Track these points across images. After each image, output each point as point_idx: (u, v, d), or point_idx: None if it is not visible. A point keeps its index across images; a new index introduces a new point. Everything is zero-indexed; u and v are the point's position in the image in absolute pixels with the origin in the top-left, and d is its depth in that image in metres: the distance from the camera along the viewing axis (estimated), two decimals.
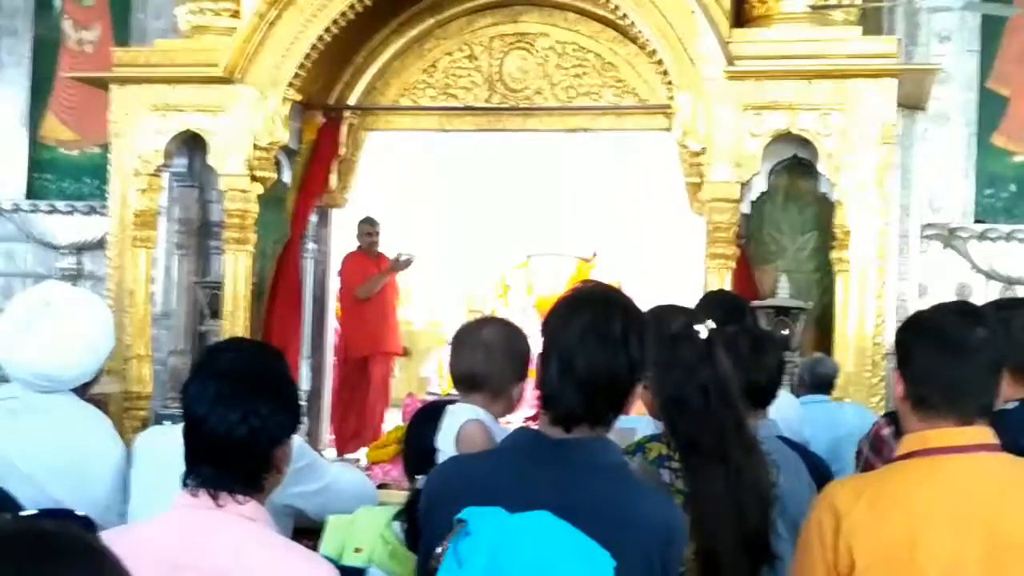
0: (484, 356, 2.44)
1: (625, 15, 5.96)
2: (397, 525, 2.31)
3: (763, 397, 2.67)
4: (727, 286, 5.62)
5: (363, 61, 7.13)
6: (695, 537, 1.98)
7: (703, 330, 2.26)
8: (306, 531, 2.51)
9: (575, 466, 1.67)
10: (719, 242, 5.86)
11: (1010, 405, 2.51)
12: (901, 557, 1.79)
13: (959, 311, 2.00)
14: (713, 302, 3.38)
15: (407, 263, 7.83)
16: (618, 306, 1.75)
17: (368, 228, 7.87)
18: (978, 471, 1.86)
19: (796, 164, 6.42)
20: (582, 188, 9.55)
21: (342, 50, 6.77)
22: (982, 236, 7.63)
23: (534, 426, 1.80)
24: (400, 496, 2.74)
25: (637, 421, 2.43)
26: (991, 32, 7.67)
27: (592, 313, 1.72)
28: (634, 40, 6.28)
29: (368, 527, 2.31)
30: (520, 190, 9.37)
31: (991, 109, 7.67)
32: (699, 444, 2.13)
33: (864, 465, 3.03)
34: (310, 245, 7.32)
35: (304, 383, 7.09)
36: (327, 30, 6.23)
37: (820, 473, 2.80)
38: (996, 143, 7.69)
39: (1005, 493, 1.84)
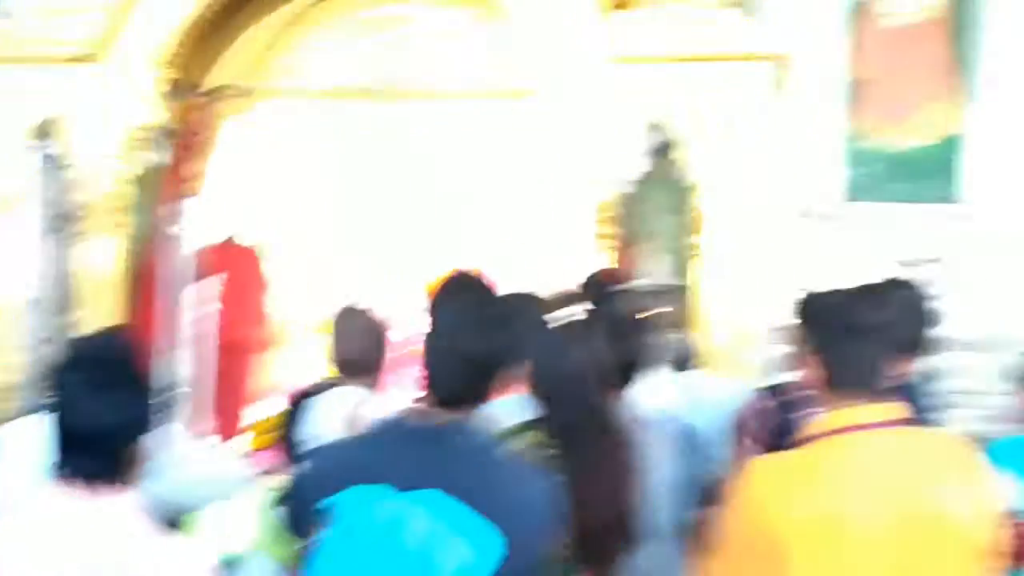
0: (364, 341, 2.45)
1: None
2: (279, 510, 2.30)
3: (635, 374, 2.73)
4: (605, 268, 5.72)
5: (238, 40, 6.98)
6: (571, 518, 2.01)
7: (576, 313, 2.29)
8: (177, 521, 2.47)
9: (453, 446, 1.69)
10: (597, 223, 5.95)
11: (904, 381, 2.60)
12: (829, 533, 1.86)
13: (861, 295, 2.08)
14: (587, 284, 3.43)
15: None
16: (496, 288, 1.78)
17: (235, 213, 7.74)
18: (898, 445, 1.95)
19: (666, 146, 6.56)
20: (457, 171, 9.52)
21: (216, 29, 6.63)
22: (848, 216, 7.95)
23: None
24: (283, 481, 2.71)
25: (509, 403, 2.45)
26: (857, 15, 7.97)
27: (472, 296, 1.74)
28: (509, 21, 6.30)
29: (248, 513, 2.29)
30: (400, 173, 9.28)
31: (853, 94, 7.97)
32: (573, 426, 2.16)
33: (749, 437, 3.11)
34: (180, 230, 7.14)
35: (179, 371, 6.93)
36: (200, 8, 6.09)
37: (694, 447, 2.88)
38: (857, 126, 8.00)
39: (924, 464, 1.95)
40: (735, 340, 5.83)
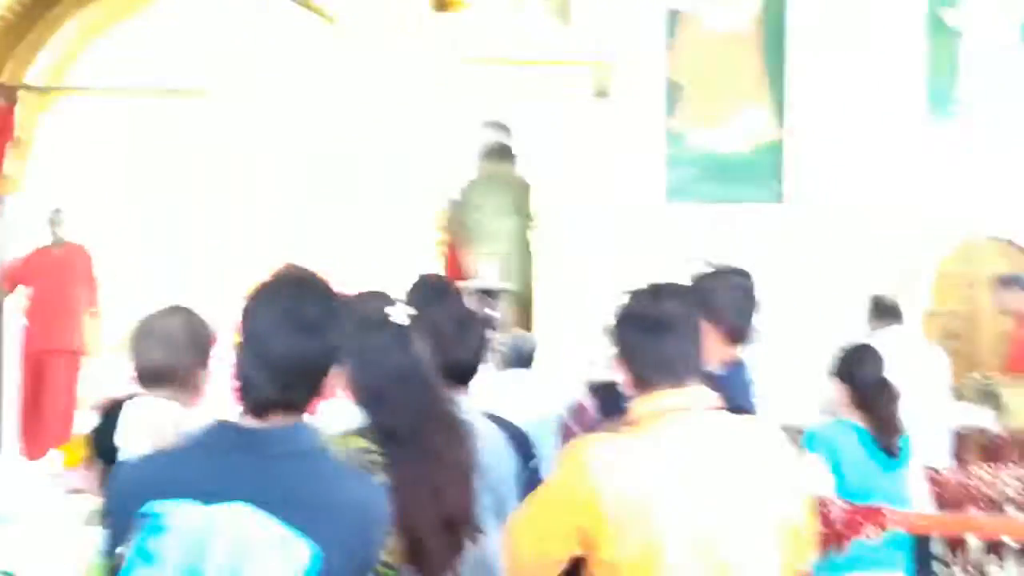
0: (167, 347, 2.34)
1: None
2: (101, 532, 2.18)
3: (465, 375, 2.72)
4: (439, 269, 5.71)
5: (40, 37, 6.64)
6: (397, 524, 1.97)
7: (398, 315, 2.25)
8: None
9: (270, 455, 1.63)
10: (430, 227, 5.95)
11: (723, 369, 2.69)
12: (642, 514, 1.89)
13: (651, 292, 2.12)
14: (418, 285, 3.41)
15: None
16: (314, 290, 1.72)
17: (52, 217, 7.37)
18: (706, 429, 2.00)
19: (499, 149, 6.61)
20: (290, 170, 9.33)
21: (18, 27, 6.29)
22: (670, 216, 8.22)
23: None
24: (95, 502, 2.58)
25: (337, 408, 2.40)
26: (674, 23, 8.24)
27: (287, 297, 1.68)
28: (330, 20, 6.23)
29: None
30: (212, 169, 8.97)
31: (673, 98, 8.25)
32: (396, 432, 2.13)
33: (566, 435, 3.17)
34: None
35: None
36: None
37: (522, 445, 2.89)
38: (676, 129, 8.28)
39: (732, 448, 1.99)
40: (568, 339, 5.92)
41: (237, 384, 1.66)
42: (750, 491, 1.95)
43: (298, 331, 1.63)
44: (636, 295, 2.12)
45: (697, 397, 2.01)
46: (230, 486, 1.54)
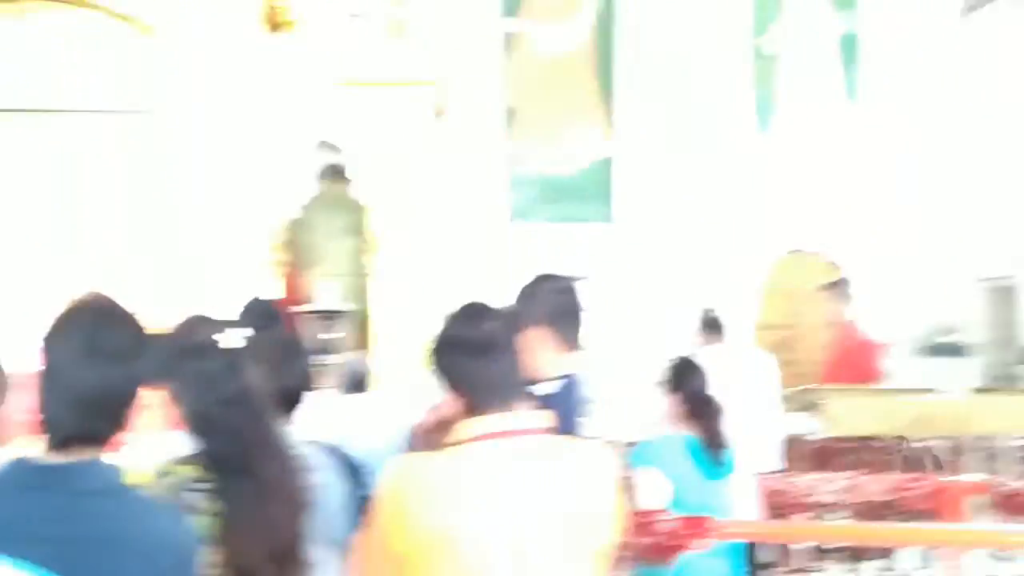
0: None
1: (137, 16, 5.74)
2: None
3: (292, 402, 2.67)
4: (277, 292, 5.60)
5: None
6: (225, 557, 1.93)
7: (228, 341, 2.19)
8: None
9: (72, 492, 1.56)
10: (266, 249, 5.83)
11: (554, 387, 2.69)
12: (450, 538, 1.88)
13: (470, 315, 2.12)
14: (247, 310, 3.34)
15: None
16: (114, 318, 1.66)
17: None
18: (529, 451, 1.98)
19: (334, 170, 6.54)
20: (106, 191, 8.93)
21: None
22: (508, 236, 8.32)
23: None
24: None
25: (164, 438, 2.32)
26: (510, 46, 8.37)
27: (86, 327, 1.62)
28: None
29: None
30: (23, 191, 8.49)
31: (509, 119, 8.37)
32: (226, 460, 2.07)
33: None
34: None
35: None
36: None
37: (357, 473, 2.85)
38: (514, 150, 8.40)
39: (546, 472, 1.98)
40: (408, 361, 5.88)
41: (39, 417, 1.59)
42: (563, 517, 1.96)
43: (98, 361, 1.57)
44: (455, 319, 2.11)
45: (522, 420, 2.01)
46: (30, 528, 1.46)
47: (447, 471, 1.94)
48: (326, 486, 2.53)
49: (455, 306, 2.16)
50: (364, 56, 6.00)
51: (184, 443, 2.22)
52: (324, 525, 2.44)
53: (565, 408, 2.72)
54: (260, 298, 4.82)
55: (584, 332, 2.82)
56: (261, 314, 3.25)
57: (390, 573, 1.95)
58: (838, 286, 6.66)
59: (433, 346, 2.10)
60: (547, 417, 2.06)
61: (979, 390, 6.77)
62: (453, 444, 2.00)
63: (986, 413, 5.81)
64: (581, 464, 2.05)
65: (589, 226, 8.46)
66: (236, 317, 3.08)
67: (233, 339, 2.18)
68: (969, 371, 7.86)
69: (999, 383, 7.54)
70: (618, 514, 2.06)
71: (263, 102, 5.76)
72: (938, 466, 5.61)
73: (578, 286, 2.89)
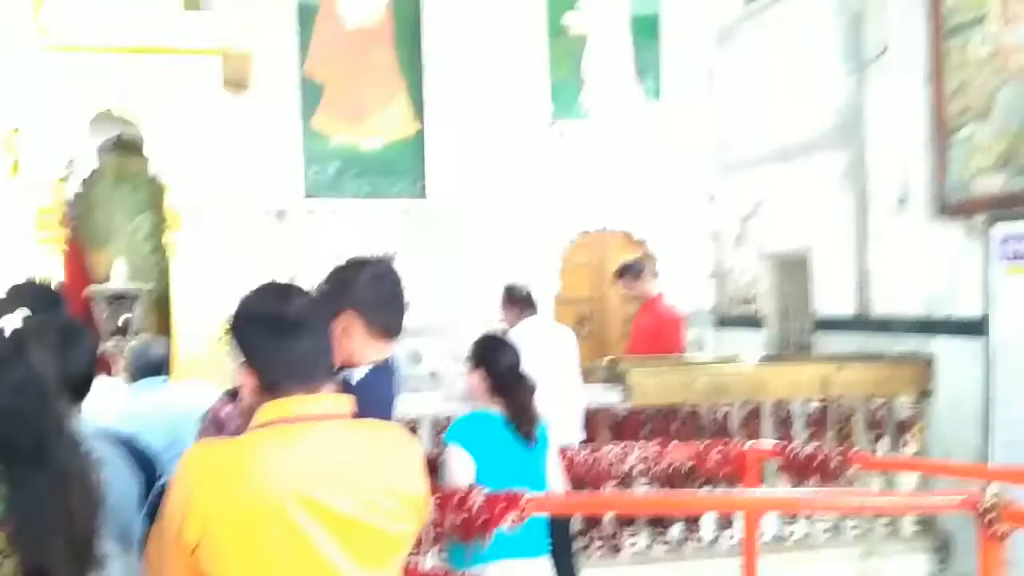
0: None
1: None
2: None
3: (80, 390, 2.49)
4: (58, 271, 5.25)
5: None
6: (18, 552, 1.81)
7: (9, 324, 2.04)
8: None
9: None
10: (44, 226, 5.44)
11: (362, 371, 2.59)
12: (253, 524, 1.79)
13: (277, 292, 2.01)
14: (21, 292, 3.08)
15: None
16: None
17: None
18: (328, 438, 1.90)
19: (125, 143, 6.20)
20: None
21: None
22: (311, 212, 8.13)
23: None
24: None
25: None
26: (311, 17, 8.14)
27: None
28: None
29: None
30: None
31: (311, 93, 8.15)
32: (17, 450, 1.92)
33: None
34: None
35: None
36: None
37: (146, 463, 2.70)
38: (315, 125, 8.20)
39: (350, 458, 1.91)
40: (206, 343, 5.64)
41: None
42: (364, 505, 1.89)
43: None
44: (260, 294, 2.01)
45: (327, 405, 1.94)
46: None
47: (242, 458, 1.84)
48: (117, 479, 2.38)
49: (259, 284, 2.05)
50: (154, 23, 5.68)
51: None
52: (115, 519, 2.30)
53: (376, 394, 2.65)
54: (35, 279, 4.51)
55: (401, 318, 2.73)
56: (37, 296, 3.01)
57: (184, 565, 1.84)
58: (631, 269, 6.83)
59: (233, 321, 1.99)
60: (348, 402, 1.99)
61: (772, 358, 7.10)
62: (251, 429, 1.90)
63: (779, 380, 6.09)
64: (382, 448, 1.99)
65: (394, 202, 8.37)
66: (9, 298, 2.88)
67: (14, 322, 2.04)
68: (763, 341, 8.26)
69: (792, 351, 7.94)
70: (422, 496, 2.01)
71: (36, 69, 5.37)
72: (735, 433, 5.85)
73: (395, 270, 2.79)
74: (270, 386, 1.91)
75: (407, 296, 2.75)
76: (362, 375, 2.62)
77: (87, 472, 2.06)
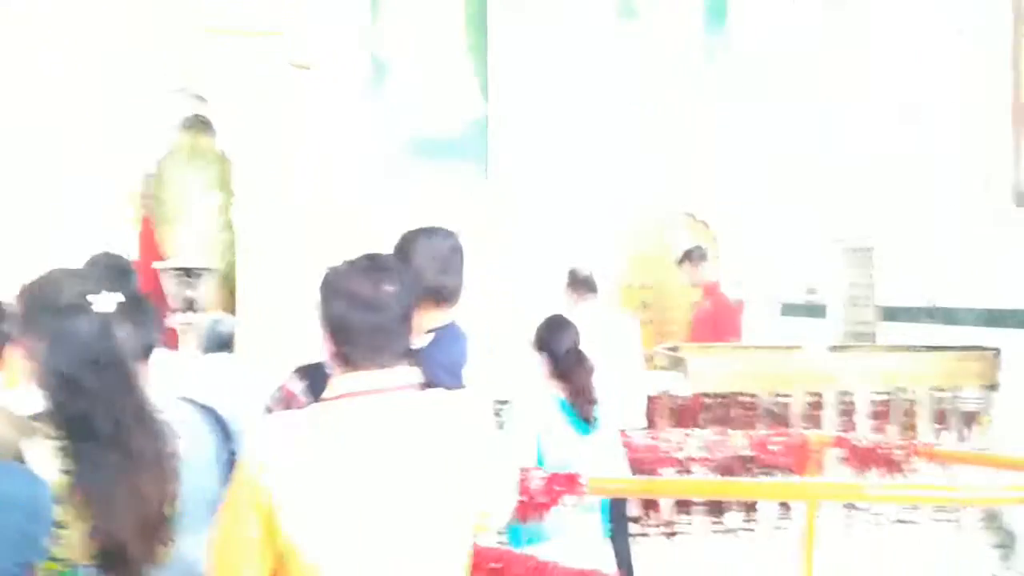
0: None
1: None
2: None
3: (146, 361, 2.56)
4: (132, 246, 5.37)
5: None
6: (90, 524, 1.86)
7: (101, 301, 2.08)
8: None
9: None
10: (125, 202, 5.57)
11: (424, 339, 2.63)
12: (308, 495, 1.84)
13: (366, 268, 2.05)
14: (96, 263, 3.16)
15: None
16: None
17: None
18: (396, 409, 1.95)
19: (198, 121, 6.30)
20: None
21: None
22: (375, 192, 8.20)
23: None
24: None
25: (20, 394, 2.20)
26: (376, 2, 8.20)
27: None
28: None
29: None
30: None
31: (379, 71, 8.22)
32: (92, 427, 1.97)
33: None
34: None
35: None
36: None
37: (223, 431, 2.77)
38: (387, 104, 8.26)
39: (417, 429, 1.96)
40: (273, 320, 5.73)
41: None
42: (434, 477, 1.94)
43: None
44: (351, 268, 2.04)
45: (397, 377, 1.98)
46: None
47: (313, 429, 1.90)
48: (195, 445, 2.44)
49: (355, 256, 2.09)
50: (227, 3, 5.76)
51: (34, 400, 2.11)
52: (194, 484, 2.36)
53: (437, 360, 2.68)
54: (110, 252, 4.62)
55: (459, 285, 2.76)
56: (112, 269, 3.10)
57: (256, 532, 1.90)
58: (693, 254, 6.80)
59: (321, 289, 2.03)
60: (416, 373, 2.03)
61: (837, 347, 7.02)
62: (323, 399, 1.96)
63: (844, 370, 6.02)
64: (451, 418, 2.03)
65: (464, 182, 8.42)
66: (85, 272, 2.95)
67: (107, 302, 2.08)
68: (828, 329, 8.17)
69: (856, 341, 7.85)
70: (494, 473, 2.05)
71: (120, 49, 5.49)
72: (796, 422, 5.80)
73: (455, 237, 2.82)
74: (345, 358, 1.97)
75: (469, 272, 2.78)
76: (423, 343, 2.66)
77: (162, 450, 2.11)
